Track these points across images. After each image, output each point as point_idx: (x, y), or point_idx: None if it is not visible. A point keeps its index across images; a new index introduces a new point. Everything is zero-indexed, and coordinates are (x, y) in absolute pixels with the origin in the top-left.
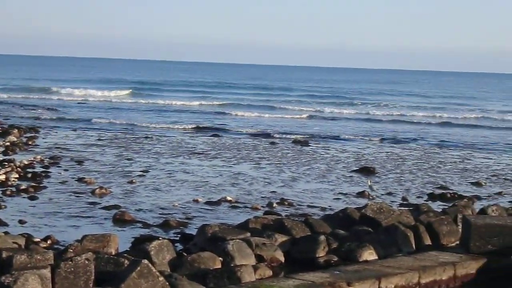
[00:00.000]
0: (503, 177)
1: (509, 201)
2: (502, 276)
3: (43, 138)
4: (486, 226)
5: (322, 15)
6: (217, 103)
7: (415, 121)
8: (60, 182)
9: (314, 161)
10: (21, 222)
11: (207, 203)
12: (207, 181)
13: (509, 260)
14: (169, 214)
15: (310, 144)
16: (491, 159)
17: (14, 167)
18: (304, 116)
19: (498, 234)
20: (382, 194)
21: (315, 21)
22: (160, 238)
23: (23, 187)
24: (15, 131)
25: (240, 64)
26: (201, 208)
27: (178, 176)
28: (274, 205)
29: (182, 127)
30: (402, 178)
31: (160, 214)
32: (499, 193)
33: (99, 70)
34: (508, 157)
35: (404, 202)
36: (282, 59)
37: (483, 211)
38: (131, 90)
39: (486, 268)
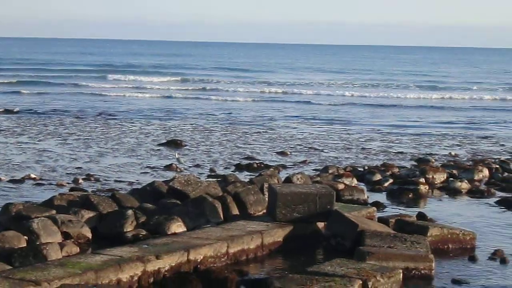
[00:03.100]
0: (308, 146)
1: (314, 169)
2: (308, 242)
3: None
4: (292, 194)
5: None
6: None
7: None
8: None
9: (124, 135)
10: None
11: (10, 181)
12: (10, 159)
13: (314, 227)
14: None
15: (115, 118)
16: (295, 128)
17: None
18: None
19: (303, 201)
20: (190, 167)
21: None
22: None
23: None
24: None
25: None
26: (4, 187)
27: None
28: (80, 181)
29: None
30: (211, 149)
31: None
32: (304, 162)
33: None
34: (309, 126)
35: (212, 174)
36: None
37: (288, 180)
38: None
39: (292, 235)
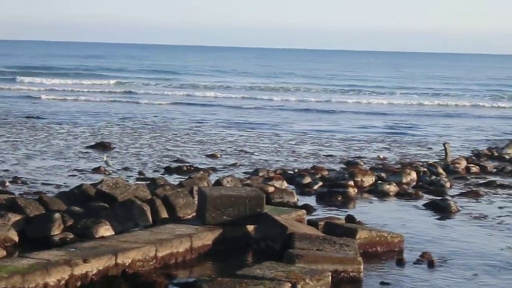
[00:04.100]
0: (239, 149)
1: (244, 172)
2: (237, 245)
3: None
4: (221, 197)
5: None
6: None
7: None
8: None
9: (52, 138)
10: None
11: None
12: None
13: (244, 230)
14: None
15: (42, 119)
16: (225, 131)
17: None
18: None
19: (233, 204)
20: (119, 169)
21: None
22: None
23: None
24: None
25: None
26: None
27: None
28: (7, 184)
29: None
30: (140, 152)
31: None
32: (234, 164)
33: None
34: (240, 129)
35: (141, 177)
36: None
37: (218, 183)
38: None
39: (222, 238)
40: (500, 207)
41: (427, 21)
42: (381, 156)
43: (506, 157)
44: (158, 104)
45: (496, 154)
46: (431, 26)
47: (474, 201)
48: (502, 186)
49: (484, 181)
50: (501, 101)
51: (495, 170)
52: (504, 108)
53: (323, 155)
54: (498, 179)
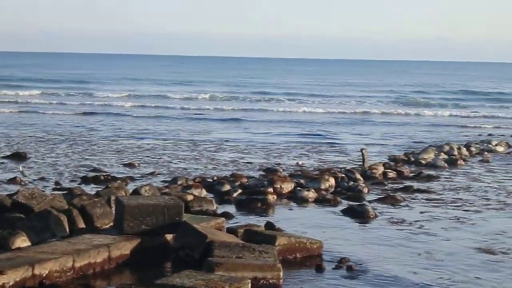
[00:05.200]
0: (157, 157)
1: (162, 181)
2: (156, 254)
3: None
4: (139, 206)
5: None
6: None
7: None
8: None
9: None
10: None
11: None
12: None
13: (162, 239)
14: None
15: None
16: (140, 140)
17: None
18: None
19: (151, 213)
20: (35, 180)
21: None
22: None
23: None
24: None
25: None
26: None
27: None
28: None
29: None
30: (57, 162)
31: None
32: (152, 173)
33: None
34: (157, 137)
35: (58, 187)
36: None
37: (136, 192)
38: None
39: (140, 248)
40: (421, 212)
41: (351, 28)
42: (300, 163)
43: (423, 162)
44: (73, 114)
45: (412, 159)
46: (352, 33)
47: (392, 206)
48: (419, 191)
49: (401, 186)
50: (415, 108)
51: (412, 175)
52: (418, 115)
53: (243, 163)
54: (415, 184)
